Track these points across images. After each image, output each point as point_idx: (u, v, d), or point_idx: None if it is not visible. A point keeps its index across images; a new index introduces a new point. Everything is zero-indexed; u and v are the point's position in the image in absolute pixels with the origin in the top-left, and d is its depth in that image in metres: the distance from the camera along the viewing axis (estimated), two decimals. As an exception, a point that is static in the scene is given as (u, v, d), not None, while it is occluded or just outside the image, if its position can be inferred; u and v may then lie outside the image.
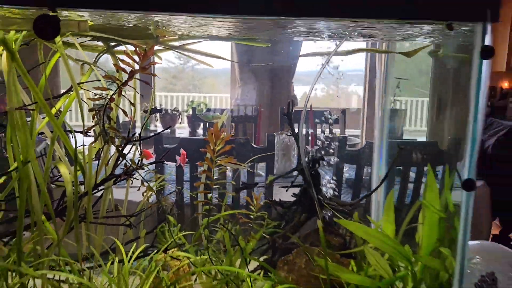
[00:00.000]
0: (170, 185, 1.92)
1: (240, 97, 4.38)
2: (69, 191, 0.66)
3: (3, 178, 0.69)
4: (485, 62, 0.63)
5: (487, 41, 0.63)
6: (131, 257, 0.72)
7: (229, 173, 1.62)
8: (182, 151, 0.81)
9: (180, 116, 4.29)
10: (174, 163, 1.67)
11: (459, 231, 0.67)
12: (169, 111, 4.24)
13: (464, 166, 0.67)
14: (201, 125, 3.53)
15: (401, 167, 1.75)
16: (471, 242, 0.84)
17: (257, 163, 1.93)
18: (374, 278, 0.73)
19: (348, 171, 2.35)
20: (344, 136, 1.80)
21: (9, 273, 0.68)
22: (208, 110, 3.80)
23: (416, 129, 6.82)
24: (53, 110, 0.69)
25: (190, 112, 3.85)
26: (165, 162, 1.76)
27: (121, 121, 1.88)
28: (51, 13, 0.58)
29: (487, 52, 0.62)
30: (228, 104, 6.83)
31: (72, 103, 0.73)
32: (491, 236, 2.51)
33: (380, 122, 1.04)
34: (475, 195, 0.66)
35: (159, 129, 4.18)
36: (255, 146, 1.81)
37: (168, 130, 3.67)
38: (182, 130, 4.42)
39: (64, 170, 0.67)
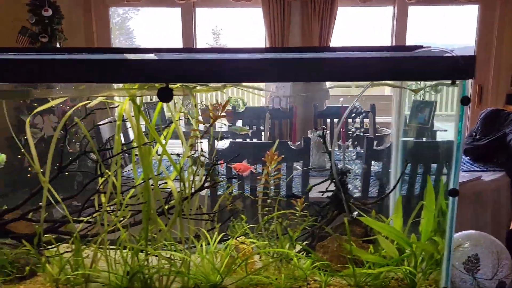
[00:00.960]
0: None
1: (276, 90, 4.64)
2: (175, 196, 0.98)
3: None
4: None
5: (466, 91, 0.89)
6: (214, 242, 1.04)
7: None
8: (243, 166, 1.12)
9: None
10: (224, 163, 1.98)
11: (447, 225, 0.95)
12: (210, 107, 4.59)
13: (450, 179, 0.93)
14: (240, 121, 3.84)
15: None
16: (462, 232, 1.10)
17: (295, 161, 2.22)
18: (386, 258, 1.02)
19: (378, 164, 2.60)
20: (371, 137, 2.06)
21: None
22: (245, 106, 4.10)
23: (448, 113, 6.85)
24: (161, 138, 1.02)
25: (230, 107, 4.18)
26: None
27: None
28: (166, 86, 0.89)
29: (465, 100, 0.88)
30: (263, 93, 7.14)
31: (171, 134, 1.05)
32: (512, 224, 2.69)
33: (396, 126, 1.29)
34: (458, 198, 0.93)
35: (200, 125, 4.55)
36: (291, 146, 2.10)
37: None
38: (222, 123, 4.76)
39: (171, 183, 0.99)
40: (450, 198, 0.94)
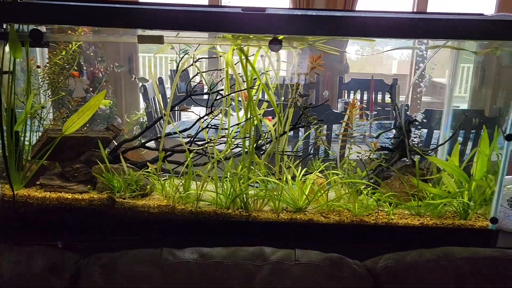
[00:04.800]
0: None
1: (297, 65, 4.79)
2: (273, 135, 1.17)
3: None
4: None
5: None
6: (300, 175, 1.24)
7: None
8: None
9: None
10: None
11: (500, 165, 1.14)
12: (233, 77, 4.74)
13: (507, 127, 1.12)
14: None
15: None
16: (506, 177, 1.30)
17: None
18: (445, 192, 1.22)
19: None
20: (407, 104, 2.23)
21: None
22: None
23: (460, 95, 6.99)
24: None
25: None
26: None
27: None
28: (278, 37, 1.06)
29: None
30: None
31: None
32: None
33: (448, 94, 1.47)
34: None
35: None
36: (334, 111, 2.28)
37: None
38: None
39: (270, 124, 1.18)
40: (506, 142, 1.13)
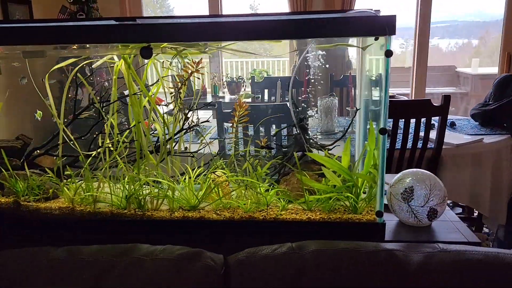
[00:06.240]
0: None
1: (298, 63, 4.79)
2: (161, 138, 1.23)
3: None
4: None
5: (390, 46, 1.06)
6: (194, 175, 1.29)
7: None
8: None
9: (245, 83, 4.86)
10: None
11: (379, 158, 1.14)
12: (235, 79, 4.82)
13: (380, 120, 1.12)
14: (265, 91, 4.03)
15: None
16: (409, 170, 1.28)
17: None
18: (335, 187, 1.23)
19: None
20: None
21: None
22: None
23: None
24: (150, 93, 1.27)
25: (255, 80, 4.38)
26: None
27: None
28: (147, 45, 1.13)
29: (388, 53, 1.06)
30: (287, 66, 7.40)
31: (159, 89, 1.30)
32: (516, 185, 2.76)
33: (359, 92, 1.47)
34: (386, 138, 1.11)
35: (226, 95, 4.80)
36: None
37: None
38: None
39: (158, 126, 1.25)
40: (381, 136, 1.13)
